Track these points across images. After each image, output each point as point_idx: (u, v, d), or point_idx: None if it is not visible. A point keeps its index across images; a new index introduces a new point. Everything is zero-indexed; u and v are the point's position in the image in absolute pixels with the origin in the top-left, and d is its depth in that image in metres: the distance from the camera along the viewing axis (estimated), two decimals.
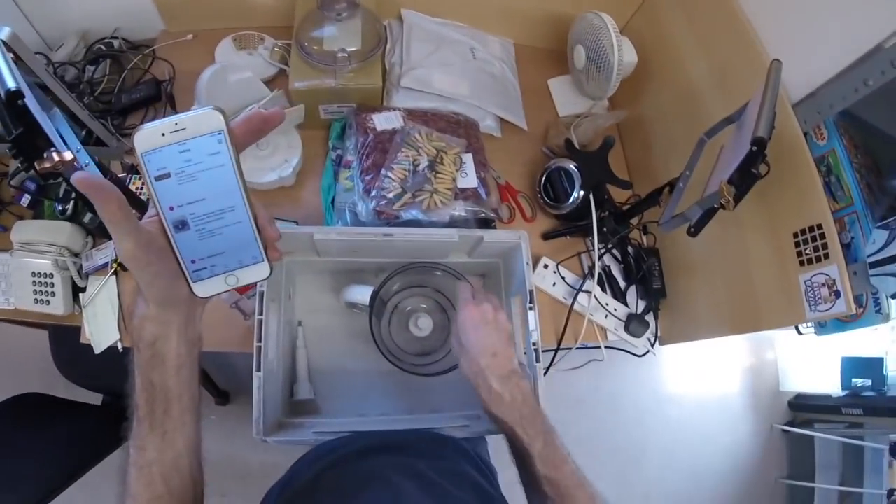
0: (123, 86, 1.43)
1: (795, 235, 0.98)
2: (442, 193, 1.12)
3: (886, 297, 0.96)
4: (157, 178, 0.43)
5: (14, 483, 1.30)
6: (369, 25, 1.30)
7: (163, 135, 0.42)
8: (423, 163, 1.14)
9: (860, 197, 0.95)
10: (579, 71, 1.44)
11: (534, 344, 0.95)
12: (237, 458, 1.99)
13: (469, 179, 1.17)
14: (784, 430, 2.49)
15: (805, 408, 2.50)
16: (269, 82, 1.37)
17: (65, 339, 1.65)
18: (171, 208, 0.44)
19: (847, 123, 1.00)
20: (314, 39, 1.26)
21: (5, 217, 1.39)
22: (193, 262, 0.47)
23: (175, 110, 1.42)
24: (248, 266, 0.48)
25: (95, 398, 1.67)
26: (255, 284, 1.05)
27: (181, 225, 0.45)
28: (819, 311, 0.92)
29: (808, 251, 0.95)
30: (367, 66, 1.27)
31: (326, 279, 1.18)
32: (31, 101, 0.83)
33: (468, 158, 1.19)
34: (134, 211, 0.45)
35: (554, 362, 1.24)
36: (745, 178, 0.91)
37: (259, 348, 0.92)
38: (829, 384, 2.37)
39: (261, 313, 0.93)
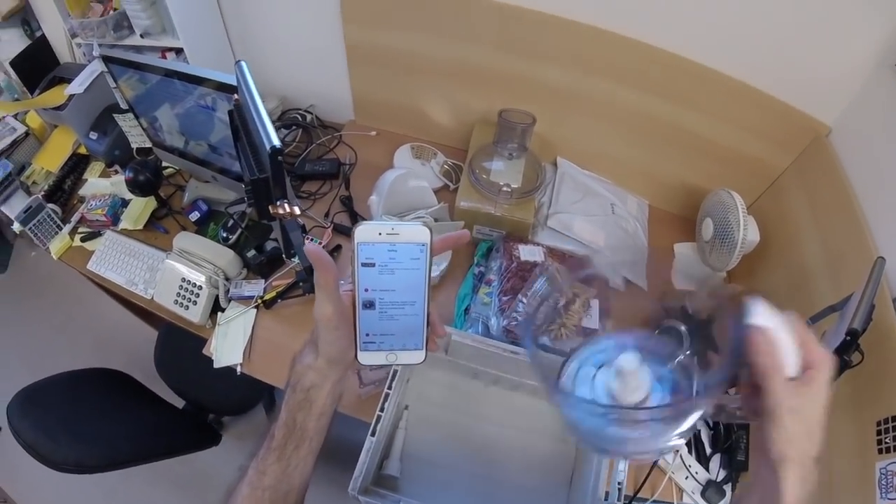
0: (308, 156, 1.64)
1: (879, 423, 0.98)
2: (568, 328, 1.24)
3: None
4: (364, 265, 0.51)
5: (88, 440, 1.36)
6: (532, 168, 1.49)
7: (379, 234, 0.51)
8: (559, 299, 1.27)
9: None
10: (705, 241, 1.51)
11: (619, 483, 0.99)
12: None
13: (593, 322, 1.28)
14: None
15: None
16: (435, 193, 1.54)
17: (173, 343, 1.81)
18: (366, 290, 0.52)
19: None
20: (484, 169, 1.46)
21: (168, 222, 1.59)
22: (367, 335, 0.55)
23: (348, 191, 1.62)
24: (408, 350, 0.56)
25: (177, 401, 1.77)
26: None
27: (369, 304, 0.53)
28: (889, 499, 0.92)
29: (887, 440, 0.95)
30: (524, 202, 1.45)
31: (442, 376, 1.28)
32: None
33: (595, 304, 1.31)
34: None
35: None
36: (836, 364, 0.96)
37: (379, 417, 1.02)
38: None
39: (390, 388, 1.05)
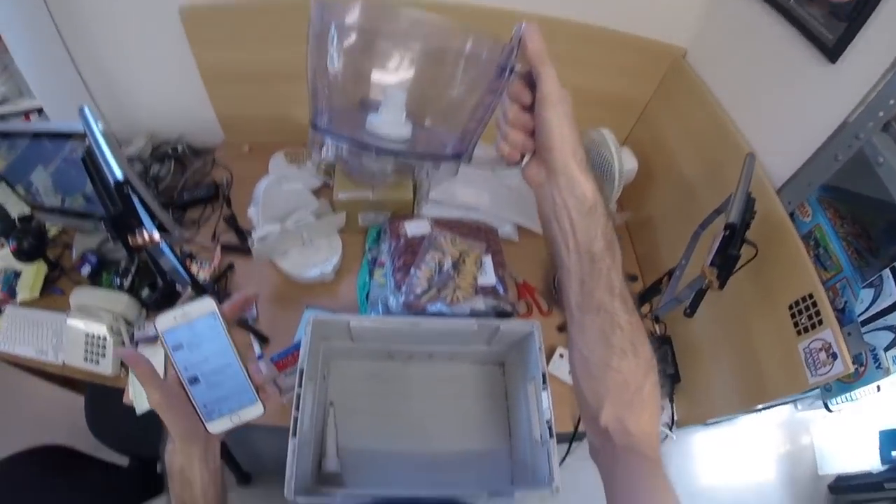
0: (185, 185, 1.63)
1: (790, 307, 1.04)
2: (464, 289, 1.27)
3: (884, 352, 0.94)
4: (174, 349, 0.58)
5: None
6: None
7: (174, 318, 0.58)
8: (448, 263, 1.30)
9: (849, 264, 1.00)
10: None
11: (547, 421, 1.02)
12: None
13: (488, 277, 1.32)
14: None
15: (846, 489, 2.31)
16: (315, 192, 1.56)
17: (101, 402, 1.74)
18: (186, 368, 0.59)
19: (830, 198, 1.08)
20: None
21: (63, 282, 1.55)
22: (205, 406, 0.61)
23: (231, 209, 1.62)
24: (246, 406, 0.62)
25: (121, 460, 1.73)
26: (290, 365, 1.18)
27: (194, 380, 0.60)
28: (820, 374, 0.95)
29: (803, 320, 1.00)
30: (401, 182, 1.48)
31: (358, 365, 1.30)
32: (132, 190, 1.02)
33: (487, 259, 1.35)
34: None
35: (570, 450, 1.30)
36: (725, 260, 1.01)
37: (296, 418, 1.03)
38: (869, 461, 2.23)
39: (300, 387, 1.05)
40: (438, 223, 1.42)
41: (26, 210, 1.56)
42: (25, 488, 1.45)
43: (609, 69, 1.53)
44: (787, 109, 1.16)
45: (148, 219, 1.04)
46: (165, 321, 0.58)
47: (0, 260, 1.58)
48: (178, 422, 0.61)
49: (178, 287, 1.32)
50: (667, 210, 1.54)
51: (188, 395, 0.60)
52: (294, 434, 1.01)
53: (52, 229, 1.64)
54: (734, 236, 1.00)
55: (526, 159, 0.62)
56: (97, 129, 1.10)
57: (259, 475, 2.12)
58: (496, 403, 1.30)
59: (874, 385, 0.96)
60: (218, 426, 0.61)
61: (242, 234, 1.55)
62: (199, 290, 1.23)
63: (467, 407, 1.29)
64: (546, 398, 1.04)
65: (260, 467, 2.11)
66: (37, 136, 1.33)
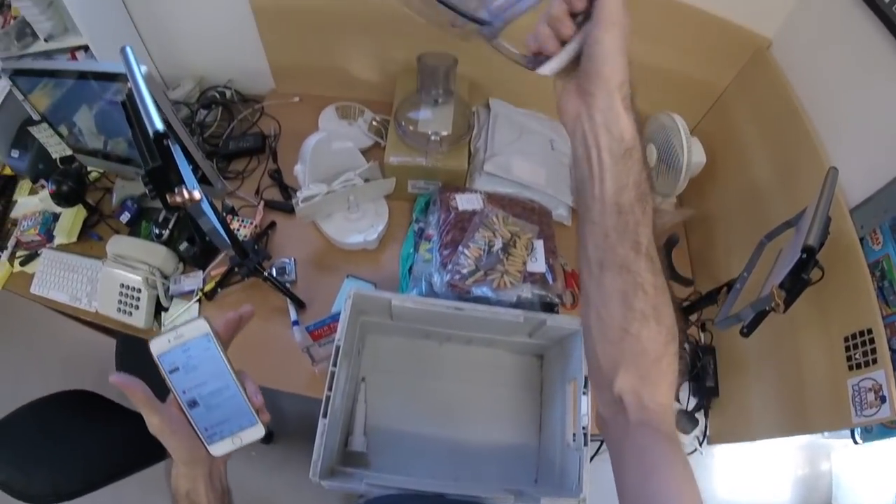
0: (232, 133, 1.58)
1: (847, 339, 0.97)
2: (512, 275, 1.19)
3: None
4: (171, 372, 0.56)
5: (60, 467, 1.37)
6: (461, 112, 1.42)
7: (168, 341, 0.56)
8: (498, 244, 1.22)
9: None
10: (650, 168, 1.47)
11: (584, 428, 0.97)
12: (270, 498, 2.00)
13: (538, 264, 1.23)
14: None
15: None
16: (365, 152, 1.49)
17: (132, 350, 1.73)
18: (184, 392, 0.57)
19: None
20: (410, 120, 1.39)
21: (102, 228, 1.53)
22: (206, 429, 0.59)
23: (276, 164, 1.56)
24: (246, 428, 0.60)
25: None
26: (326, 335, 1.13)
27: (193, 403, 0.58)
28: (864, 416, 0.91)
29: (857, 355, 0.95)
30: (456, 150, 1.39)
31: (394, 342, 1.25)
32: (173, 143, 0.95)
33: (539, 245, 1.26)
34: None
35: (600, 451, 1.26)
36: (795, 283, 0.94)
37: (328, 397, 0.97)
38: (884, 500, 2.19)
39: (335, 365, 1.00)
40: (491, 199, 1.33)
41: (67, 151, 1.54)
42: (51, 430, 1.48)
43: (688, 50, 1.42)
44: (875, 123, 1.07)
45: (189, 173, 0.98)
46: (160, 344, 0.56)
47: (39, 201, 1.57)
48: (181, 445, 0.59)
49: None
50: (728, 211, 1.44)
51: (188, 419, 0.59)
52: (325, 414, 0.96)
53: (93, 173, 1.62)
54: (810, 260, 0.92)
55: (545, 68, 0.55)
56: (139, 73, 1.03)
57: (280, 435, 2.12)
58: (530, 396, 1.25)
59: None
60: (220, 449, 0.60)
61: (287, 191, 1.50)
62: (240, 252, 1.18)
63: (499, 396, 1.25)
64: (586, 402, 1.00)
65: (282, 427, 2.12)
66: (82, 75, 1.28)
